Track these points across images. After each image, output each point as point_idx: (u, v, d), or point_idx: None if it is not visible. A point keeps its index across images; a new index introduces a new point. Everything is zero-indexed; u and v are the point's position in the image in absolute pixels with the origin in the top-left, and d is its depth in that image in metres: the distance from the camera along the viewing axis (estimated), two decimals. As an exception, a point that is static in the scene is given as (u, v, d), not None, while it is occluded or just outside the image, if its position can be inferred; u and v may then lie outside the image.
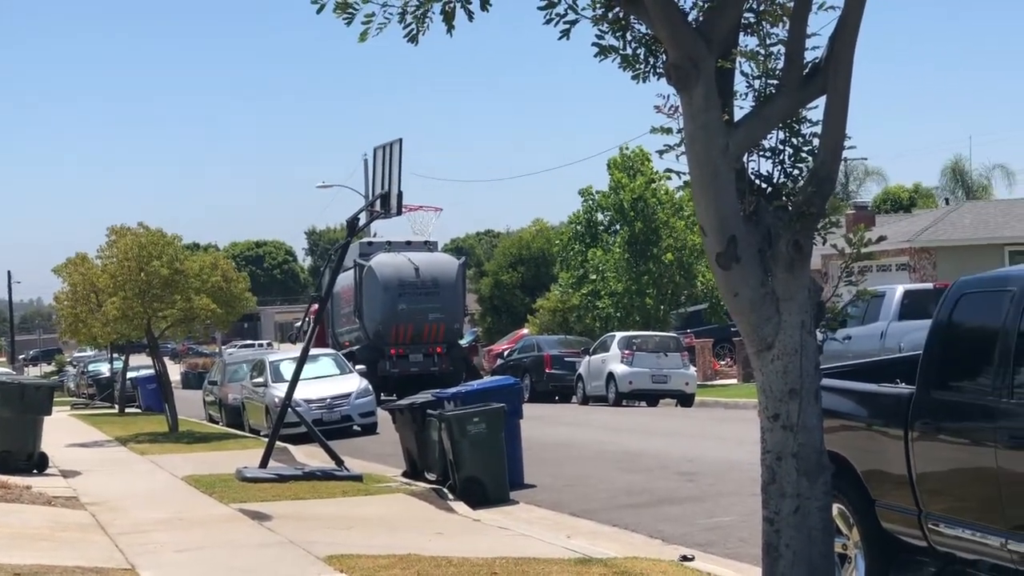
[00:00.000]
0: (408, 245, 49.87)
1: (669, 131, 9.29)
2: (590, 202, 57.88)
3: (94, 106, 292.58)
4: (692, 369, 42.37)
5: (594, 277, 55.36)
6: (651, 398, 41.50)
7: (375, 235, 60.64)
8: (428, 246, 50.14)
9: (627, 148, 55.37)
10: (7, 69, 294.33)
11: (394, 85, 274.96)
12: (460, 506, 18.84)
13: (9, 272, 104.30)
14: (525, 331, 62.16)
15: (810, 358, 8.52)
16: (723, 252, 8.50)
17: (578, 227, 58.30)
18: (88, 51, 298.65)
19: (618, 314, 53.13)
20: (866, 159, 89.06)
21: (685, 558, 13.60)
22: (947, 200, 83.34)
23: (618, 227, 55.45)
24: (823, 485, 8.54)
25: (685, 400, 40.84)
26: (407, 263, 47.29)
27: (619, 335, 43.05)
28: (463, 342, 61.37)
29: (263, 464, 22.74)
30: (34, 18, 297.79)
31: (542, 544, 14.92)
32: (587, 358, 43.33)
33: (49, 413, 24.67)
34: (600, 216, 57.65)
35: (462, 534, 16.22)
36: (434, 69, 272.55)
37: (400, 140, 22.81)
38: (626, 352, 40.92)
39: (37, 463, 23.80)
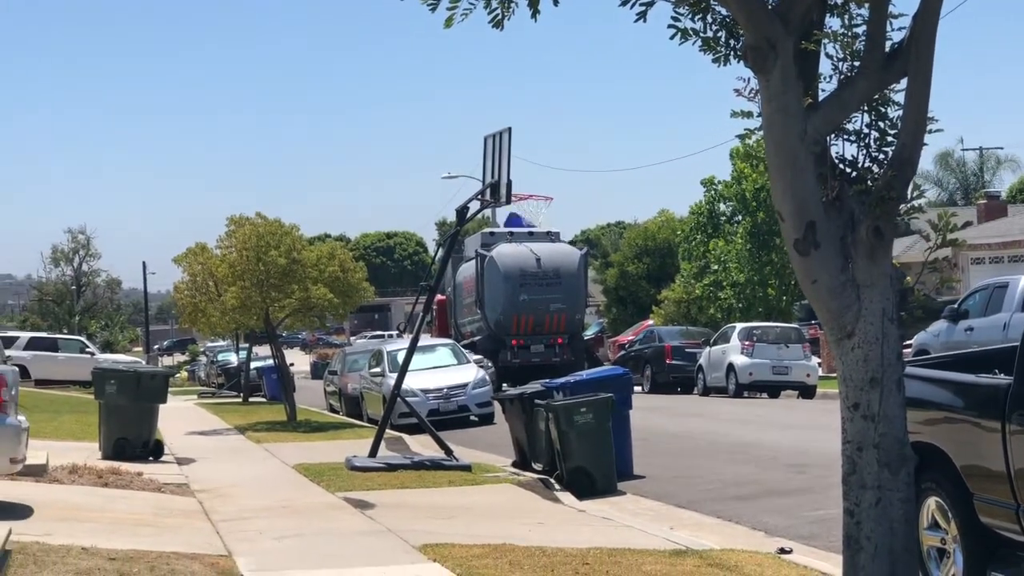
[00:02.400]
0: (530, 235, 49.84)
1: (750, 115, 9.12)
2: (712, 192, 57.54)
3: (232, 103, 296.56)
4: (814, 360, 41.91)
5: (716, 268, 55.00)
6: (772, 389, 41.16)
7: (505, 225, 60.76)
8: (550, 236, 50.02)
9: (750, 137, 54.81)
10: (140, 69, 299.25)
11: (517, 74, 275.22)
12: (566, 496, 18.75)
13: (144, 263, 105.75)
14: (650, 322, 61.88)
15: (891, 346, 8.30)
16: (801, 238, 8.31)
17: (700, 218, 57.98)
18: (217, 48, 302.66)
19: (740, 305, 52.75)
20: (1001, 148, 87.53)
21: (783, 550, 13.42)
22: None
23: (740, 217, 55.04)
24: (905, 476, 8.31)
25: (806, 392, 40.43)
26: (529, 253, 47.22)
27: (739, 326, 42.75)
28: (589, 333, 61.33)
29: (372, 453, 22.81)
30: (171, 23, 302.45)
31: (643, 535, 14.79)
32: (707, 349, 43.07)
33: (164, 401, 24.94)
34: (722, 206, 57.27)
35: (563, 524, 16.12)
36: (558, 59, 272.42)
37: (509, 129, 22.75)
38: (746, 343, 40.61)
39: (153, 450, 24.05)
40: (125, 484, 19.25)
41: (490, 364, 42.39)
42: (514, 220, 54.80)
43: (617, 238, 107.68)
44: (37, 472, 18.68)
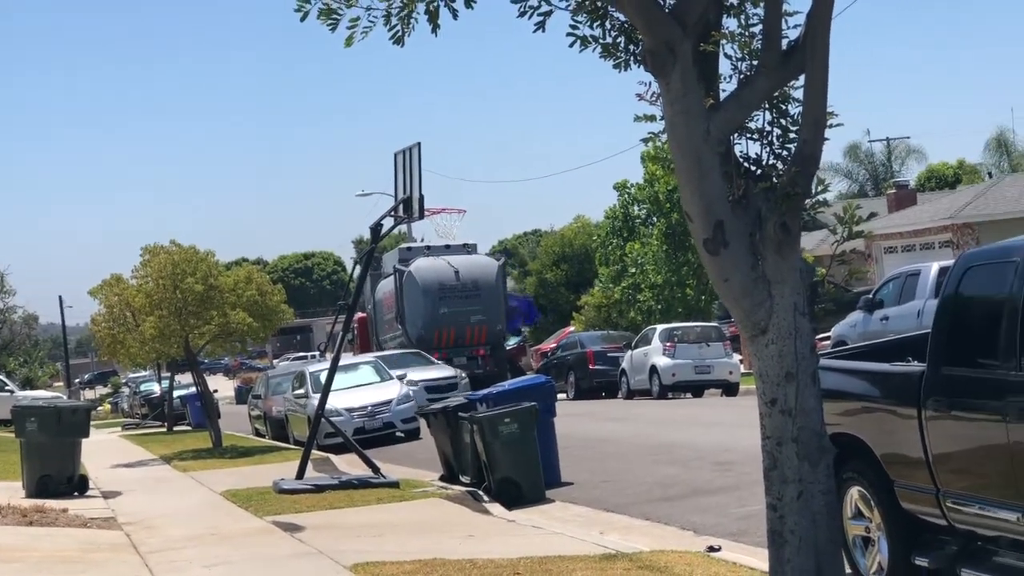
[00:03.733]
0: (447, 248, 49.94)
1: (653, 118, 9.20)
2: (626, 196, 57.74)
3: (142, 127, 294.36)
4: (736, 358, 42.15)
5: (633, 271, 55.15)
6: (696, 389, 41.37)
7: (422, 240, 60.75)
8: (467, 248, 50.13)
9: (655, 140, 55.06)
10: (39, 96, 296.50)
11: (424, 90, 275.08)
12: (495, 507, 18.78)
13: (60, 297, 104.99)
14: (571, 329, 61.96)
15: (805, 340, 8.40)
16: (711, 238, 8.39)
17: (615, 222, 58.13)
18: (122, 71, 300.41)
19: (660, 306, 52.89)
20: (908, 137, 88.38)
21: (712, 548, 13.52)
22: (990, 174, 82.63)
23: (655, 219, 55.22)
24: (825, 468, 8.41)
25: (730, 389, 40.69)
26: (447, 267, 47.33)
27: (660, 327, 42.92)
28: (511, 343, 61.36)
29: (299, 475, 22.76)
30: (71, 44, 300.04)
31: (573, 542, 14.85)
32: (629, 352, 43.21)
33: (87, 435, 24.71)
34: (636, 209, 57.49)
35: (494, 535, 16.15)
36: (465, 71, 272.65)
37: (419, 144, 22.81)
38: (668, 344, 40.80)
39: (77, 486, 23.85)
40: (50, 521, 19.08)
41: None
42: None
43: (534, 246, 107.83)
44: (-40, 514, 18.50)
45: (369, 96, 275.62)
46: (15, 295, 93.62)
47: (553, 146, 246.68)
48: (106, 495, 23.98)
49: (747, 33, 8.82)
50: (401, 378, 36.35)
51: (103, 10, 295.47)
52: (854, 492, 11.41)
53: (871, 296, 32.12)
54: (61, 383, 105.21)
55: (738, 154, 8.90)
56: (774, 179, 8.67)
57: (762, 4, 8.78)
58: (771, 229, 8.37)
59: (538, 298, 76.85)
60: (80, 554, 15.94)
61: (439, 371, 39.92)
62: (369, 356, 43.02)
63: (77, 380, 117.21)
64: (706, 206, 8.42)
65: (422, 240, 60.34)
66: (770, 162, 8.86)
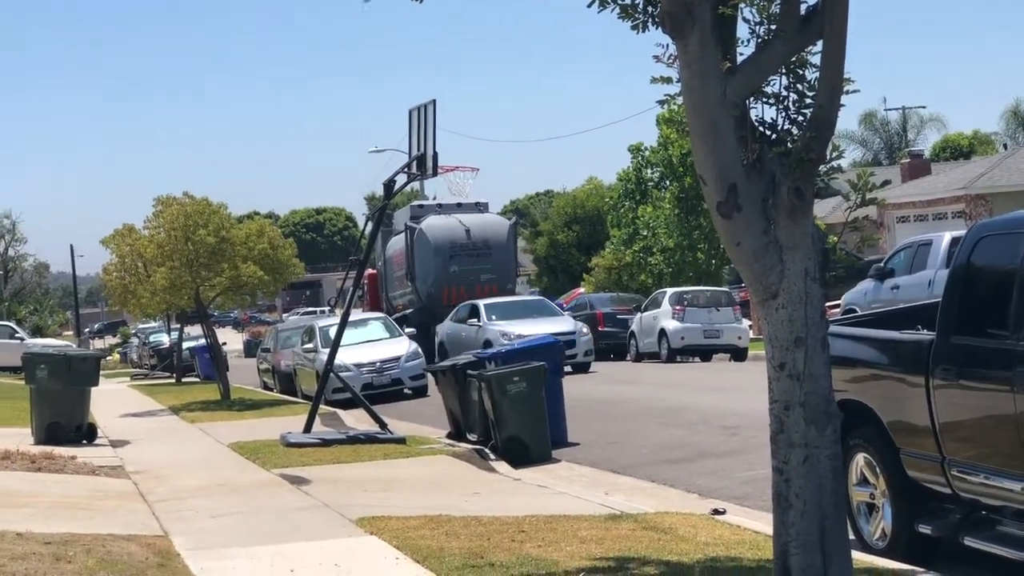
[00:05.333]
0: (459, 207, 49.85)
1: (669, 80, 9.19)
2: (640, 159, 57.75)
3: (154, 80, 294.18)
4: (745, 323, 42.22)
5: (645, 234, 55.20)
6: (704, 353, 41.44)
7: (435, 197, 60.67)
8: (479, 207, 50.05)
9: (670, 103, 54.99)
10: (67, 46, 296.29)
11: (441, 44, 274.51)
12: (501, 466, 18.84)
13: (72, 246, 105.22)
14: (581, 290, 62.05)
15: (815, 306, 8.40)
16: (724, 201, 8.39)
17: (628, 184, 58.20)
18: (140, 24, 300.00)
19: (670, 270, 52.99)
20: (924, 107, 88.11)
21: (716, 511, 13.57)
22: (1005, 145, 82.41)
23: (667, 183, 55.23)
24: (832, 434, 8.42)
25: (738, 354, 40.76)
26: (458, 225, 47.28)
27: (670, 291, 42.99)
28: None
29: (307, 429, 22.83)
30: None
31: (578, 502, 14.91)
32: (639, 315, 43.28)
33: (96, 384, 24.80)
34: (649, 172, 57.48)
35: (499, 494, 16.22)
36: (482, 28, 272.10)
37: (434, 101, 22.77)
38: (677, 308, 40.85)
39: (86, 434, 23.94)
40: (59, 468, 19.16)
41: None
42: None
43: (546, 207, 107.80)
44: (-31, 459, 18.61)
45: (385, 51, 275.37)
46: (26, 243, 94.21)
47: (567, 107, 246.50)
48: (114, 444, 24.09)
49: (766, -3, 8.79)
50: (505, 334, 35.43)
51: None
52: (860, 459, 11.47)
53: (882, 264, 32.09)
54: (71, 332, 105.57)
55: (753, 118, 8.89)
56: (789, 144, 8.66)
57: (782, -32, 8.75)
58: (785, 194, 8.37)
59: (549, 259, 76.92)
60: (88, 501, 16.02)
61: (555, 324, 37.37)
62: (378, 314, 43.01)
63: (87, 329, 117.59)
64: (720, 169, 8.42)
65: (434, 198, 60.25)
66: (785, 127, 8.85)
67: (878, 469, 11.24)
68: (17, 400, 31.50)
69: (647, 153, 57.27)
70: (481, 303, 39.96)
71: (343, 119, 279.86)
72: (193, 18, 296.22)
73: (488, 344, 33.69)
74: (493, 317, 38.24)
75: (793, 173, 8.39)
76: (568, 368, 34.25)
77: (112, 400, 36.50)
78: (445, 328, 40.96)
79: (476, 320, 38.67)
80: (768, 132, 8.85)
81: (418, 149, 22.98)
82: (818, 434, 8.38)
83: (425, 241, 46.58)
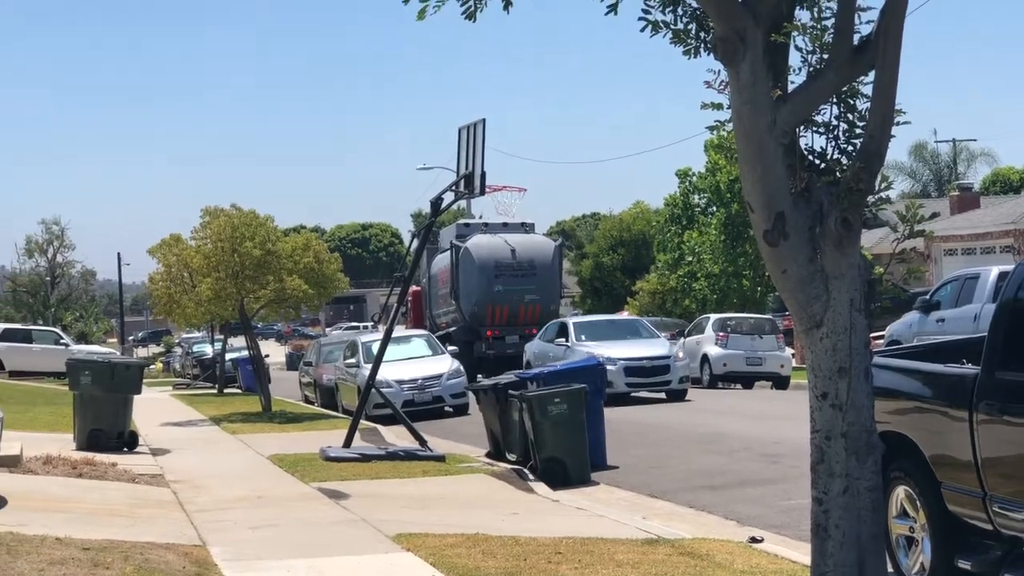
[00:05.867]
0: (505, 227, 49.88)
1: (720, 106, 9.21)
2: (687, 184, 57.73)
3: (206, 92, 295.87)
4: (788, 351, 42.05)
5: (690, 259, 55.16)
6: (746, 380, 41.31)
7: (481, 216, 60.73)
8: (525, 227, 50.08)
9: (720, 129, 54.99)
10: (114, 58, 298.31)
11: (492, 64, 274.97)
12: (540, 487, 18.81)
13: (119, 254, 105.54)
14: (625, 313, 61.98)
15: (860, 336, 8.39)
16: (771, 229, 8.39)
17: (675, 209, 58.18)
18: (191, 38, 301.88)
19: (715, 296, 52.90)
20: (975, 140, 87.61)
21: (754, 539, 13.52)
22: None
23: (714, 209, 55.19)
24: (873, 465, 8.40)
25: (780, 382, 40.60)
26: (503, 244, 47.29)
27: (714, 317, 42.91)
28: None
29: (346, 444, 22.87)
30: (151, 15, 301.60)
31: (616, 525, 14.88)
32: (682, 340, 43.16)
33: (139, 392, 24.91)
34: (697, 198, 57.45)
35: (537, 514, 16.20)
36: (532, 49, 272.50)
37: (483, 120, 22.79)
38: (720, 334, 40.77)
39: (127, 441, 24.05)
40: (99, 475, 19.26)
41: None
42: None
43: (592, 229, 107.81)
44: (11, 463, 18.72)
45: (435, 70, 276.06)
46: (74, 250, 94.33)
47: (616, 130, 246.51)
48: (155, 452, 24.18)
49: (819, 26, 8.80)
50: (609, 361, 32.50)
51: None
52: (900, 491, 11.40)
53: (928, 297, 31.95)
54: (115, 339, 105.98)
55: (803, 147, 8.89)
56: (838, 173, 8.66)
57: (836, -2, 8.76)
58: (832, 223, 8.37)
59: (593, 281, 76.89)
60: (128, 508, 16.09)
61: (648, 347, 35.74)
62: (421, 331, 43.03)
63: (131, 337, 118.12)
64: (768, 197, 8.42)
65: (480, 217, 60.36)
66: (835, 156, 8.85)
67: (919, 502, 11.16)
68: (60, 406, 31.69)
69: (695, 179, 57.27)
70: (570, 321, 38.68)
71: (392, 136, 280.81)
72: (244, 33, 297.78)
73: None
74: (582, 337, 36.25)
75: (841, 203, 8.39)
76: (662, 395, 34.34)
77: (154, 409, 36.64)
78: (533, 347, 39.30)
79: (564, 340, 36.61)
80: (817, 161, 8.85)
81: (466, 168, 23.01)
82: (859, 465, 8.36)
83: (470, 260, 46.62)
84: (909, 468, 11.22)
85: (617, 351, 34.13)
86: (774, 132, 8.41)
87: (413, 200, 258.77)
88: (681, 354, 35.90)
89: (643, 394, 34.62)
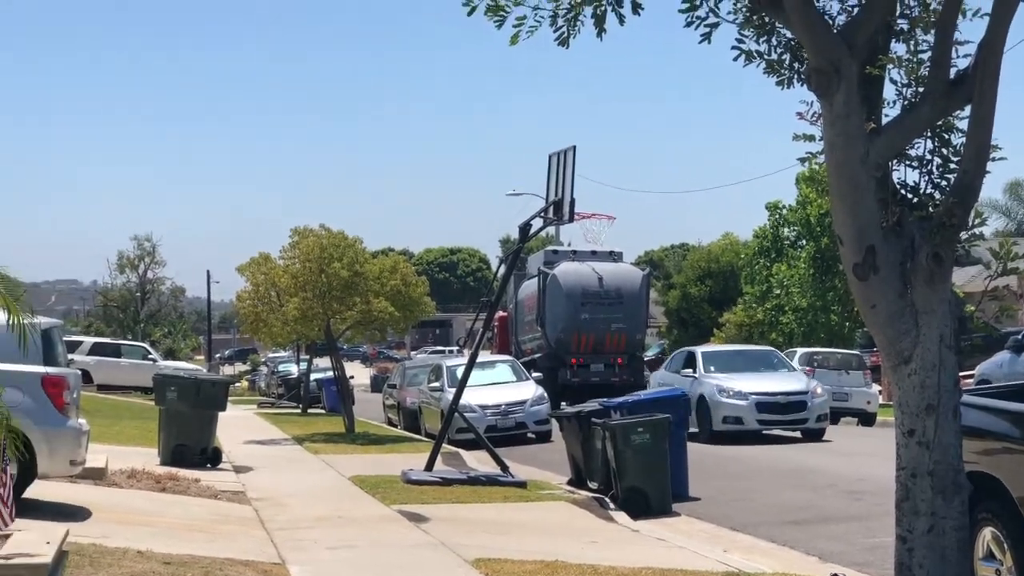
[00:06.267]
0: (593, 255, 49.80)
1: (812, 138, 9.16)
2: (777, 216, 57.40)
3: (297, 114, 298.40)
4: (875, 388, 41.62)
5: (778, 292, 54.84)
6: (832, 416, 40.83)
7: (568, 244, 60.67)
8: (613, 256, 49.97)
9: (811, 160, 54.69)
10: (212, 77, 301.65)
11: (582, 92, 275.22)
12: (620, 516, 18.71)
13: (208, 272, 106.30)
14: (712, 345, 61.65)
15: (949, 373, 8.28)
16: (861, 263, 8.32)
17: (764, 241, 57.87)
18: (283, 58, 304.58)
19: (802, 330, 52.52)
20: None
21: (836, 576, 13.35)
22: None
23: (804, 242, 54.85)
24: (959, 505, 8.29)
25: (866, 419, 40.18)
26: (591, 272, 47.22)
27: (800, 351, 42.52)
28: (649, 354, 61.09)
29: (428, 467, 22.87)
30: (227, 36, 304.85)
31: (696, 557, 14.75)
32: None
33: (224, 409, 25.10)
34: (786, 231, 57.12)
35: (617, 544, 16.11)
36: (623, 77, 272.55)
37: (574, 147, 22.78)
38: (807, 369, 40.36)
39: (211, 457, 24.22)
40: (182, 490, 19.42)
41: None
42: None
43: (680, 260, 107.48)
44: (96, 475, 18.90)
45: (526, 96, 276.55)
46: (165, 266, 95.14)
47: (706, 161, 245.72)
48: (237, 469, 24.32)
49: (915, 59, 8.74)
50: (741, 394, 31.66)
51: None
52: (987, 533, 11.22)
53: (1020, 337, 31.51)
54: (202, 357, 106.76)
55: (895, 180, 8.81)
56: (931, 208, 8.58)
57: (933, 31, 8.69)
58: (923, 259, 8.28)
59: (680, 312, 76.56)
60: (209, 524, 16.18)
61: (783, 381, 33.16)
62: (506, 357, 43.06)
63: (217, 355, 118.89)
64: (859, 230, 8.35)
65: (568, 244, 60.32)
66: (928, 191, 8.78)
67: (1006, 545, 10.97)
68: (146, 420, 31.94)
69: (785, 211, 56.96)
70: (699, 351, 35.79)
71: (482, 161, 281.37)
72: (334, 56, 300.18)
73: (702, 400, 31.62)
74: (711, 368, 33.63)
75: (933, 238, 8.31)
76: (796, 434, 32.25)
77: (238, 426, 36.83)
78: (657, 377, 37.15)
79: (691, 371, 33.77)
80: (910, 195, 8.78)
81: (556, 194, 22.99)
82: (945, 504, 8.25)
83: (557, 287, 46.59)
84: (997, 509, 11.04)
85: (749, 384, 32.06)
86: (867, 165, 8.34)
87: (501, 226, 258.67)
88: (819, 389, 33.08)
89: (776, 432, 32.52)
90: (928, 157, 8.84)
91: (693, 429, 29.38)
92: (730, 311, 62.96)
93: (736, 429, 31.36)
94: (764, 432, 32.12)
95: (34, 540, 11.49)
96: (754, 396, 31.74)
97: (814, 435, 31.94)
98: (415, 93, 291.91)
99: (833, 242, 51.32)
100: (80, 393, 16.86)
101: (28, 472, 14.97)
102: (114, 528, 14.33)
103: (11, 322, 10.48)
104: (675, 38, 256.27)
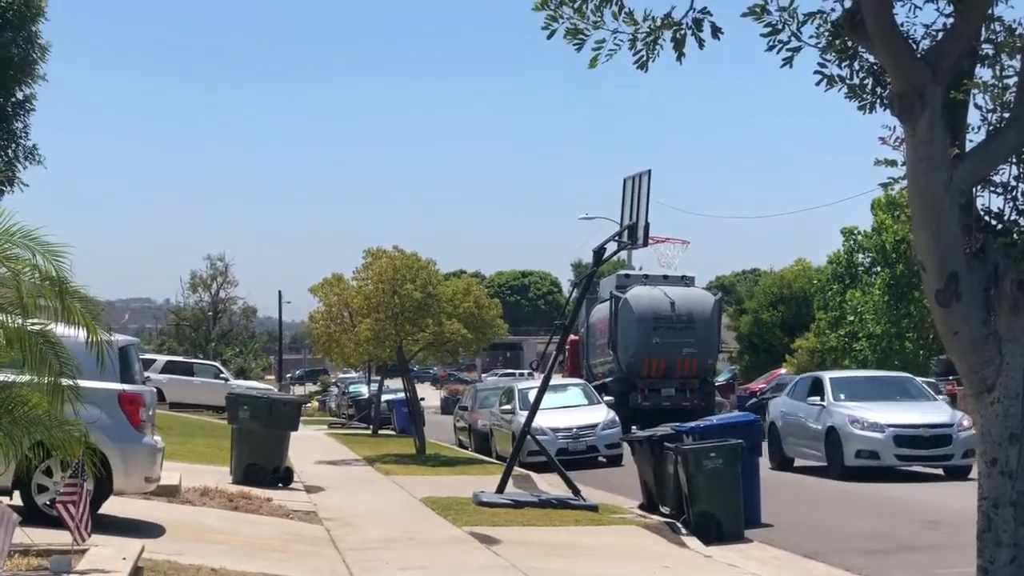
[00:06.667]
0: (665, 279, 49.77)
1: (894, 163, 9.08)
2: (852, 243, 57.12)
3: (370, 136, 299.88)
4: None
5: (852, 319, 54.52)
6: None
7: (640, 268, 60.62)
8: (685, 281, 49.91)
9: (893, 186, 54.38)
10: (278, 100, 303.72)
11: (657, 117, 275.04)
12: (692, 541, 18.61)
13: (280, 292, 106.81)
14: (783, 371, 61.35)
15: (1033, 403, 8.17)
16: (943, 289, 8.23)
17: (838, 267, 57.60)
18: (356, 83, 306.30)
19: (876, 357, 52.16)
20: None
21: (911, 606, 13.19)
22: None
23: (879, 268, 54.54)
24: (1043, 536, 8.17)
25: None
26: (663, 297, 47.13)
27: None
28: (721, 379, 60.83)
29: (499, 489, 22.83)
30: (322, 65, 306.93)
31: (768, 584, 14.65)
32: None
33: (295, 428, 25.18)
34: (861, 257, 56.83)
35: (688, 569, 16.05)
36: (697, 101, 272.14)
37: (649, 171, 22.73)
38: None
39: (282, 477, 24.31)
40: (255, 509, 19.49)
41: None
42: None
43: (752, 285, 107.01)
44: (170, 493, 19.01)
45: (603, 119, 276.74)
46: (237, 286, 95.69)
47: (777, 187, 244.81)
48: (309, 489, 24.38)
49: (1000, 84, 8.65)
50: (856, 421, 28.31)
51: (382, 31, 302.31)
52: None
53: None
54: (272, 376, 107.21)
55: (979, 207, 8.72)
56: (1015, 235, 8.48)
57: (1018, 56, 8.60)
58: (1008, 286, 8.19)
59: (752, 337, 76.26)
60: (281, 544, 16.23)
61: (923, 411, 29.38)
62: (578, 380, 43.08)
63: (288, 375, 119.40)
64: (941, 257, 8.26)
65: (640, 268, 60.25)
66: (1012, 217, 8.68)
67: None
68: (218, 438, 32.11)
69: (860, 237, 56.68)
70: (827, 377, 31.82)
71: (555, 184, 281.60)
72: (404, 81, 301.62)
73: (833, 430, 28.59)
74: (841, 396, 29.98)
75: (1018, 265, 8.21)
76: (939, 471, 29.02)
77: (309, 446, 36.96)
78: (779, 406, 32.99)
79: (819, 399, 30.15)
80: (994, 222, 8.69)
81: (630, 218, 22.95)
82: (1028, 535, 8.14)
83: (629, 311, 46.52)
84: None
85: (886, 415, 28.51)
86: (950, 191, 8.26)
87: (573, 249, 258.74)
88: (966, 422, 27.77)
89: (916, 468, 29.25)
90: (1013, 183, 8.75)
91: (821, 463, 29.02)
92: (802, 337, 62.65)
93: (871, 465, 27.77)
94: (902, 468, 28.89)
95: (110, 556, 11.57)
96: (892, 428, 28.17)
97: (959, 473, 27.93)
98: (488, 115, 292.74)
99: (908, 268, 51.33)
100: (155, 411, 16.98)
101: (104, 488, 15.09)
102: (188, 545, 14.40)
103: (89, 340, 10.55)
104: (747, 61, 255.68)
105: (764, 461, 29.18)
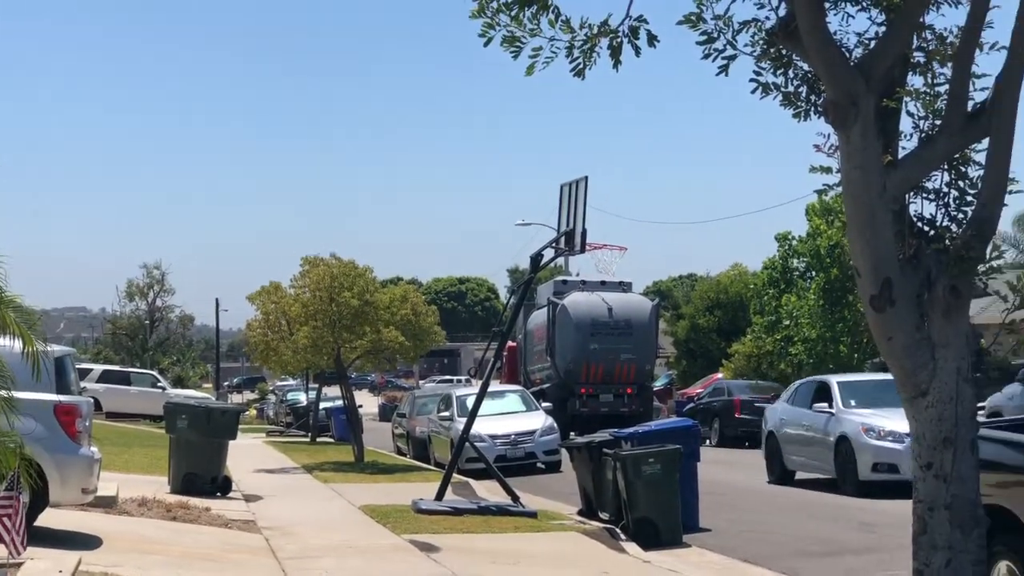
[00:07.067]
0: (603, 285, 49.89)
1: (829, 171, 9.16)
2: (786, 247, 57.42)
3: (306, 141, 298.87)
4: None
5: (787, 323, 54.81)
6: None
7: (578, 274, 60.72)
8: (622, 286, 50.03)
9: (827, 192, 54.62)
10: (214, 107, 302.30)
11: (593, 122, 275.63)
12: (631, 547, 18.68)
13: (217, 300, 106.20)
14: (719, 375, 61.58)
15: (966, 407, 8.27)
16: (877, 295, 8.32)
17: (773, 272, 57.86)
18: (292, 89, 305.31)
19: (811, 361, 52.41)
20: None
21: (849, 610, 13.27)
22: None
23: (814, 273, 54.85)
24: (977, 538, 8.26)
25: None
26: (600, 303, 47.26)
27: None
28: (658, 384, 60.95)
29: (439, 497, 22.84)
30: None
31: (707, 588, 14.72)
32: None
33: (234, 437, 25.07)
34: (796, 262, 57.14)
35: (628, 574, 16.07)
36: (634, 108, 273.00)
37: (586, 178, 22.80)
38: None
39: (221, 486, 24.20)
40: (193, 518, 19.39)
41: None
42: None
43: (688, 290, 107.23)
44: (107, 504, 18.88)
45: (538, 127, 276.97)
46: (174, 294, 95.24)
47: (714, 192, 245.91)
48: (247, 498, 24.29)
49: (932, 92, 8.75)
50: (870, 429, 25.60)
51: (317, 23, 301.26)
52: (1002, 566, 11.17)
53: (1030, 369, 31.40)
54: (210, 385, 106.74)
55: (912, 213, 8.82)
56: (948, 241, 8.58)
57: (950, 64, 8.70)
58: (940, 291, 8.28)
59: (688, 342, 76.48)
60: (220, 553, 16.16)
61: None
62: (516, 386, 43.13)
63: (226, 383, 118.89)
64: (875, 263, 8.35)
65: (578, 275, 60.34)
66: (945, 224, 8.78)
67: (1022, 579, 10.91)
68: (156, 448, 31.92)
69: (795, 242, 56.97)
70: (834, 381, 28.72)
71: (491, 191, 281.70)
72: (343, 81, 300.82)
73: (845, 440, 26.00)
74: (851, 402, 27.19)
75: (950, 271, 8.31)
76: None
77: (247, 455, 36.82)
78: (778, 413, 30.36)
79: (827, 405, 27.39)
80: (927, 228, 8.78)
81: (567, 225, 23.00)
82: (963, 538, 8.23)
83: (567, 317, 46.60)
84: (1013, 543, 11.00)
85: (904, 423, 25.24)
86: (884, 197, 8.34)
87: (511, 255, 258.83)
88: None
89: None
90: (945, 190, 8.84)
91: (829, 476, 26.80)
92: (739, 341, 62.90)
93: (890, 479, 24.56)
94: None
95: (46, 569, 11.50)
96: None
97: None
98: (425, 123, 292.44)
99: (843, 273, 51.62)
100: (92, 421, 16.86)
101: (40, 500, 14.95)
102: (125, 556, 14.31)
103: (25, 350, 10.48)
104: (683, 69, 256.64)
105: (760, 474, 29.23)
